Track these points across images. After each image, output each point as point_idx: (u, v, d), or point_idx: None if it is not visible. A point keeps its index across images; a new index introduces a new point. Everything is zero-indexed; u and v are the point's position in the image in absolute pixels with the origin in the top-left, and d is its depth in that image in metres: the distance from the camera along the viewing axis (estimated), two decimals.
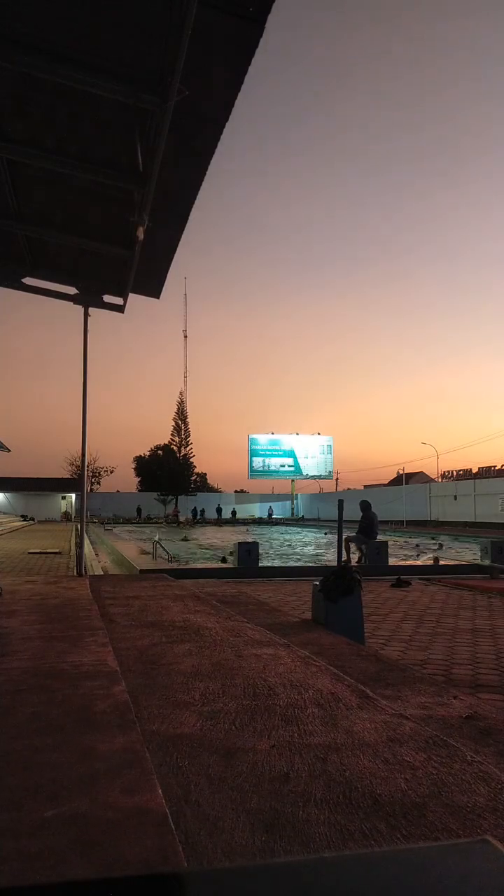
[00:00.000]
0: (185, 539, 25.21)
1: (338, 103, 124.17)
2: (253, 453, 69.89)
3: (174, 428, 73.38)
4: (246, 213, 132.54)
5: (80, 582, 8.53)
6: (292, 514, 68.38)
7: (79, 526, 11.88)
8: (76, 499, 55.88)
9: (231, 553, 13.09)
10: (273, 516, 62.95)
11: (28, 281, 9.13)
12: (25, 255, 8.64)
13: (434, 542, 23.65)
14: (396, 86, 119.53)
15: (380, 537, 13.44)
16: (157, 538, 15.62)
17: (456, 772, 2.27)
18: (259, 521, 57.42)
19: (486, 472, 44.75)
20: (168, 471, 68.47)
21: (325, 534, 31.65)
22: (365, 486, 67.25)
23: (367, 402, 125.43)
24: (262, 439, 70.49)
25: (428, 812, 1.97)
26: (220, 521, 55.79)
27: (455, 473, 48.48)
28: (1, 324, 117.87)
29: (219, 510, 63.55)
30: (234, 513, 64.55)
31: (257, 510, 67.93)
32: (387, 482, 66.36)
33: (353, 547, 12.97)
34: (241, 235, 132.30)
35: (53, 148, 6.21)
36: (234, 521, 58.67)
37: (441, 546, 20.54)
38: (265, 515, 64.52)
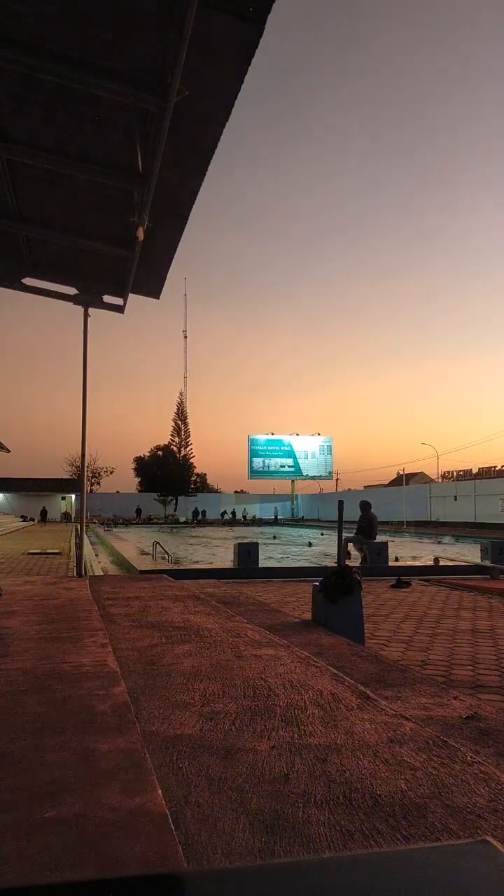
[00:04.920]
0: None
1: (336, 112, 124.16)
2: (253, 454, 69.84)
3: (174, 428, 73.60)
4: (246, 212, 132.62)
5: (80, 582, 8.53)
6: (292, 514, 68.34)
7: (78, 526, 11.89)
8: (76, 499, 56.00)
9: None
10: (278, 517, 63.02)
11: (28, 281, 9.13)
12: (25, 255, 8.64)
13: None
14: (396, 87, 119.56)
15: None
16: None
17: (456, 772, 2.27)
18: (260, 522, 57.59)
19: (487, 473, 44.75)
20: (168, 471, 68.48)
21: (322, 534, 32.42)
22: (365, 487, 67.27)
23: (367, 403, 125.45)
24: (262, 440, 70.45)
25: (428, 813, 1.96)
26: (222, 523, 56.16)
27: (455, 474, 48.49)
28: (1, 324, 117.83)
29: (223, 514, 63.71)
30: (234, 513, 64.57)
31: (258, 511, 67.88)
32: (387, 483, 66.32)
33: (351, 547, 12.97)
34: (240, 235, 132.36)
35: (53, 148, 6.21)
36: (233, 521, 58.87)
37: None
38: (266, 516, 64.51)
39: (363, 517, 12.86)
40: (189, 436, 73.47)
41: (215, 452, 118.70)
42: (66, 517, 56.19)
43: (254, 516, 63.68)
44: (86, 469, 9.92)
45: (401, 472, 57.73)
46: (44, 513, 55.42)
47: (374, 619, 6.75)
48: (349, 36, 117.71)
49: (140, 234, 6.58)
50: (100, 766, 2.25)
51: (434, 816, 1.94)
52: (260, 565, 11.79)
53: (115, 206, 7.04)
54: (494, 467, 44.69)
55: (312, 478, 71.50)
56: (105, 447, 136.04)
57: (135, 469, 73.82)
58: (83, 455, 9.80)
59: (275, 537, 30.89)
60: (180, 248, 7.89)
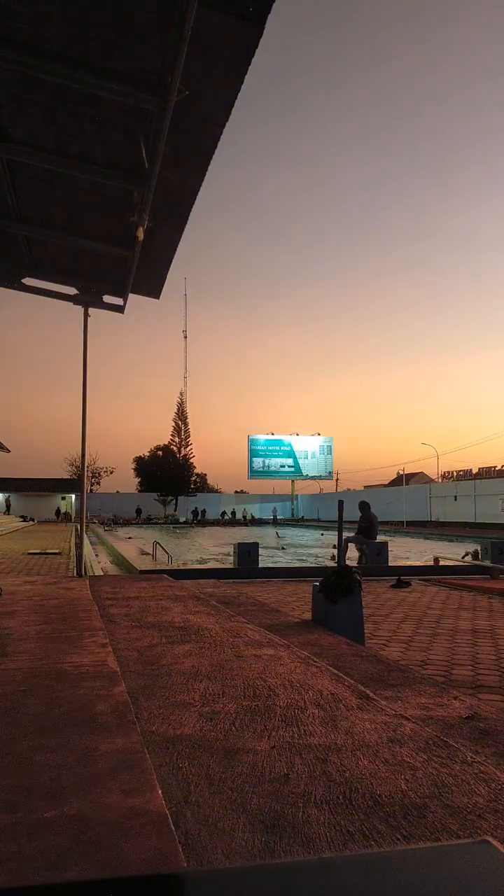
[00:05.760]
0: None
1: (337, 112, 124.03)
2: (253, 454, 69.82)
3: (174, 428, 73.67)
4: (246, 212, 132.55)
5: (80, 582, 8.53)
6: (292, 514, 68.31)
7: (78, 526, 11.89)
8: (76, 499, 56.16)
9: None
10: (277, 517, 62.99)
11: (28, 281, 9.13)
12: (25, 255, 8.64)
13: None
14: (396, 90, 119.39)
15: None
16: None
17: (456, 772, 2.27)
18: (259, 522, 57.70)
19: (487, 473, 44.72)
20: (168, 471, 68.49)
21: (322, 534, 32.21)
22: (365, 487, 67.23)
23: (367, 402, 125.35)
24: (262, 440, 70.41)
25: (428, 813, 1.96)
26: (221, 522, 56.31)
27: (455, 474, 48.44)
28: (1, 324, 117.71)
29: (223, 514, 63.77)
30: (234, 513, 64.57)
31: (258, 511, 67.86)
32: (387, 483, 66.28)
33: (352, 547, 12.97)
34: (241, 235, 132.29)
35: (53, 148, 6.21)
36: (234, 521, 58.98)
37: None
38: (266, 516, 64.49)
39: (363, 517, 12.88)
40: (189, 436, 73.61)
41: (215, 452, 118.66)
42: (66, 517, 56.36)
43: (252, 516, 63.64)
44: (86, 469, 9.92)
45: (401, 472, 57.73)
46: (58, 512, 58.44)
47: (374, 619, 6.75)
48: (349, 36, 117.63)
49: (140, 234, 6.58)
50: (100, 766, 2.25)
51: (434, 816, 1.94)
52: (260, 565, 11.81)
53: (115, 206, 7.03)
54: (494, 467, 44.64)
55: (312, 478, 71.48)
56: (105, 447, 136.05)
57: (135, 469, 73.83)
58: (83, 455, 9.80)
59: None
60: (180, 248, 7.89)
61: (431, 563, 13.46)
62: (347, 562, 9.82)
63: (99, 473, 71.89)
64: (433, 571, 12.12)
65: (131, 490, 72.56)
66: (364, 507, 12.96)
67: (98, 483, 71.69)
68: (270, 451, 70.40)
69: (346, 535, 10.91)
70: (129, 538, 27.80)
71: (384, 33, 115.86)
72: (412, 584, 9.99)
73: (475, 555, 14.41)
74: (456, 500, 44.64)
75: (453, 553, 16.64)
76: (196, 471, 75.60)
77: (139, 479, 73.21)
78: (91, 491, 65.00)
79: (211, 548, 23.85)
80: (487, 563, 11.92)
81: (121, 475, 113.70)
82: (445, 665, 4.87)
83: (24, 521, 46.06)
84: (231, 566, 11.89)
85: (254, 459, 69.81)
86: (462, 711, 3.21)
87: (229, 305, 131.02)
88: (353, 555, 12.93)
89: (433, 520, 45.47)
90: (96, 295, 9.29)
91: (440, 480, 52.23)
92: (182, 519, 58.25)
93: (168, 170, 5.97)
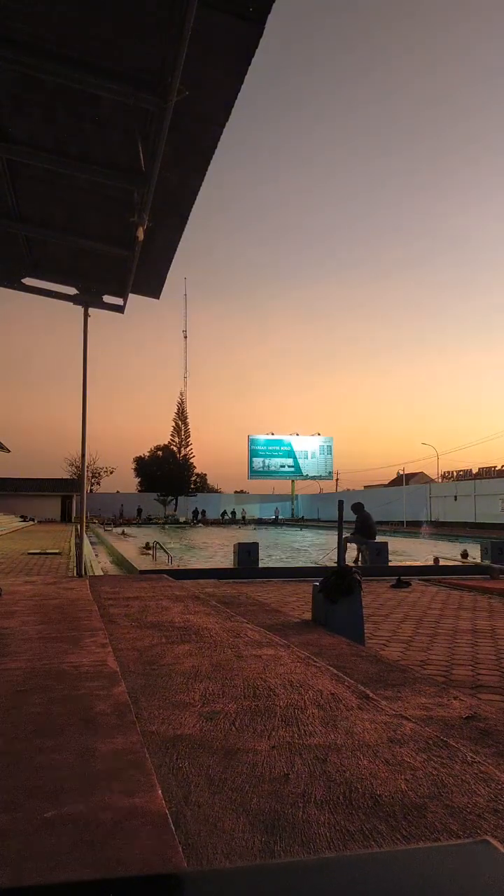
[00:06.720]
0: None
1: (337, 111, 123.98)
2: (253, 454, 69.82)
3: (174, 428, 73.53)
4: (246, 212, 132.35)
5: (80, 582, 8.53)
6: (292, 514, 68.30)
7: (78, 526, 11.89)
8: (76, 499, 56.27)
9: None
10: (279, 517, 62.94)
11: (28, 281, 9.13)
12: (25, 255, 8.64)
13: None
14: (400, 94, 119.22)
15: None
16: None
17: (456, 772, 2.27)
18: (260, 523, 57.71)
19: (487, 473, 44.73)
20: (168, 471, 68.48)
21: (300, 529, 32.10)
22: (365, 487, 67.21)
23: (367, 402, 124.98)
24: (262, 440, 70.42)
25: (428, 813, 1.96)
26: (222, 522, 56.32)
27: (455, 474, 48.44)
28: (1, 324, 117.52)
29: (223, 514, 63.75)
30: (234, 513, 64.53)
31: (258, 511, 67.82)
32: (387, 483, 66.25)
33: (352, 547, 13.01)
34: (241, 235, 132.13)
35: (53, 148, 6.21)
36: (233, 521, 58.97)
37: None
38: (267, 516, 64.45)
39: (358, 518, 13.02)
40: (189, 436, 73.44)
41: (215, 452, 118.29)
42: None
43: (252, 516, 63.59)
44: (86, 469, 9.92)
45: (401, 472, 57.74)
46: (64, 511, 59.32)
47: (374, 619, 6.75)
48: (349, 36, 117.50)
49: (140, 234, 6.58)
50: (100, 767, 2.25)
51: (434, 816, 1.94)
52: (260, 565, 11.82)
53: (115, 206, 7.04)
54: (494, 467, 44.64)
55: (312, 478, 71.47)
56: (105, 447, 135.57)
57: (135, 469, 73.76)
58: (83, 455, 9.80)
59: None
60: (180, 248, 7.89)
61: (431, 563, 13.47)
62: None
63: (99, 473, 71.92)
64: (433, 571, 12.12)
65: (131, 490, 72.53)
66: (357, 508, 13.11)
67: (98, 483, 71.72)
68: (270, 451, 70.39)
69: (345, 534, 10.93)
70: (109, 530, 27.08)
71: (384, 33, 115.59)
72: (412, 585, 9.99)
73: (464, 554, 14.53)
74: (456, 500, 44.65)
75: (445, 553, 16.64)
76: (196, 471, 75.50)
77: (139, 479, 73.17)
78: (91, 491, 65.01)
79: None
80: (487, 563, 11.92)
81: (121, 475, 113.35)
82: (445, 665, 4.87)
83: (24, 520, 46.06)
84: (231, 566, 11.89)
85: (254, 459, 69.81)
86: (462, 711, 3.21)
87: (229, 305, 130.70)
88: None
89: (433, 520, 45.47)
90: (96, 295, 9.29)
91: (440, 480, 52.23)
92: (182, 519, 58.21)
93: (168, 170, 5.97)
